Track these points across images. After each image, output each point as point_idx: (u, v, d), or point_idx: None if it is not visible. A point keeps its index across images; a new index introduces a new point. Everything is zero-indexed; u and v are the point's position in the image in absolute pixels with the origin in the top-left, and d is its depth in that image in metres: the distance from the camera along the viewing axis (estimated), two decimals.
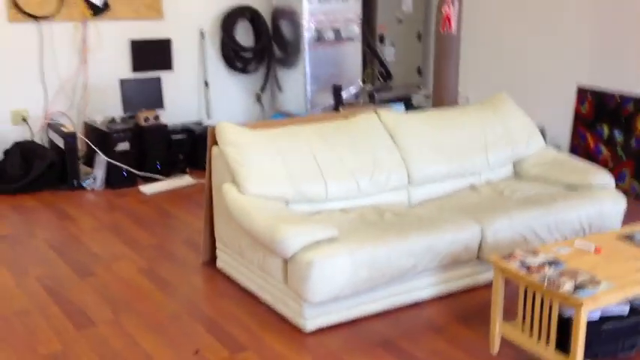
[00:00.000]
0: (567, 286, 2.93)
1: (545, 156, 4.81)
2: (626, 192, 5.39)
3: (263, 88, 7.41)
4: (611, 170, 5.57)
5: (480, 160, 4.60)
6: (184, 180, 6.18)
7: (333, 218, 3.89)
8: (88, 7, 6.35)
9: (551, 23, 6.35)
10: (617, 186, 4.80)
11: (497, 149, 4.68)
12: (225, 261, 4.22)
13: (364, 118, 4.44)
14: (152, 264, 4.42)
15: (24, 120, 6.23)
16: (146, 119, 6.15)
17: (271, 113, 7.48)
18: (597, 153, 5.89)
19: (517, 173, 4.81)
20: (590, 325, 3.00)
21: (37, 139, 6.26)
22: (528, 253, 3.26)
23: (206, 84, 7.13)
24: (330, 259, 3.42)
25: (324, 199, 4.04)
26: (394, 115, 4.57)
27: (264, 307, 3.81)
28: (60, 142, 5.95)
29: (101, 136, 6.09)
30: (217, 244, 4.28)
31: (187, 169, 6.43)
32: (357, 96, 7.07)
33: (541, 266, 3.12)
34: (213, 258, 4.37)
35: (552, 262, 3.15)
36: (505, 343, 3.33)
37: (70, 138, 5.89)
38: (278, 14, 7.19)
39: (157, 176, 6.18)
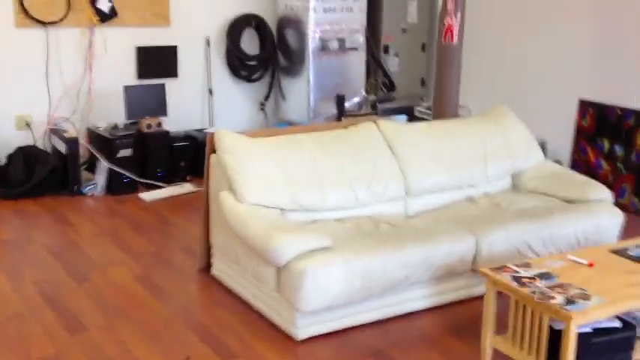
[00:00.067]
0: (558, 299, 2.93)
1: (544, 169, 4.80)
2: (626, 207, 5.36)
3: (267, 97, 7.42)
4: (611, 185, 5.55)
5: (478, 171, 4.59)
6: (185, 187, 6.19)
7: (328, 228, 3.89)
8: (95, 14, 6.39)
9: (553, 36, 6.35)
10: (617, 202, 4.77)
11: (497, 161, 4.67)
12: (220, 269, 4.23)
13: (364, 128, 4.45)
14: (148, 271, 4.43)
15: (27, 125, 6.27)
16: (149, 126, 6.17)
17: (274, 122, 7.49)
18: (598, 167, 5.88)
19: (515, 186, 4.81)
20: (581, 337, 2.98)
21: (40, 145, 6.29)
22: (520, 266, 3.26)
23: (210, 92, 7.15)
24: (324, 269, 3.42)
25: (321, 208, 4.05)
26: (393, 125, 4.58)
27: (257, 316, 3.82)
28: (62, 148, 5.97)
29: (103, 143, 6.11)
30: (213, 252, 4.30)
31: (188, 177, 6.44)
32: (360, 106, 7.08)
33: (532, 279, 3.12)
34: (209, 265, 4.38)
35: (544, 276, 3.15)
36: (497, 355, 3.32)
37: (71, 144, 5.91)
38: (284, 23, 7.21)
39: (158, 183, 6.20)
